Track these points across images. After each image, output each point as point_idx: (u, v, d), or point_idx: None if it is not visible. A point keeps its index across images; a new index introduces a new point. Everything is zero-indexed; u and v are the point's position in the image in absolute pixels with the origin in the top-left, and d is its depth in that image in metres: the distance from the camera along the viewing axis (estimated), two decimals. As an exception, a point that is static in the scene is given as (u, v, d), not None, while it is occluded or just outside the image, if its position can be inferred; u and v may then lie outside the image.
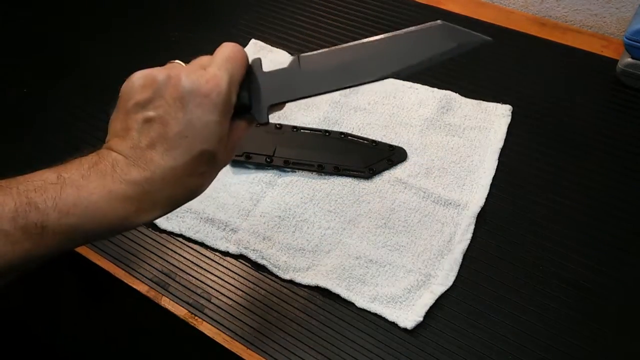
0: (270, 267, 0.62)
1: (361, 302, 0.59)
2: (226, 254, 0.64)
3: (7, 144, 0.76)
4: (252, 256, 0.63)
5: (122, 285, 0.63)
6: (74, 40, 0.92)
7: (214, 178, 0.45)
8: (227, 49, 0.48)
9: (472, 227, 0.64)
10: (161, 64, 0.90)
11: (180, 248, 0.65)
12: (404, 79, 0.80)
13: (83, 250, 0.65)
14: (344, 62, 0.48)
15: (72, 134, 0.76)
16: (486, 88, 0.80)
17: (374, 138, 0.73)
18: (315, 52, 0.48)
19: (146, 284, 0.62)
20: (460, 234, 0.64)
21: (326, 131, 0.73)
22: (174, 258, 0.64)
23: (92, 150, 0.42)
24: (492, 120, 0.75)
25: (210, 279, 0.62)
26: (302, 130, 0.73)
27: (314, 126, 0.74)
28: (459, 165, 0.70)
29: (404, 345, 0.56)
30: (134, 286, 0.62)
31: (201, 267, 0.63)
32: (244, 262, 0.63)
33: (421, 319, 0.57)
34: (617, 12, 0.90)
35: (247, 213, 0.66)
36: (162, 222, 0.66)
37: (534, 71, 0.83)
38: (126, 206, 0.40)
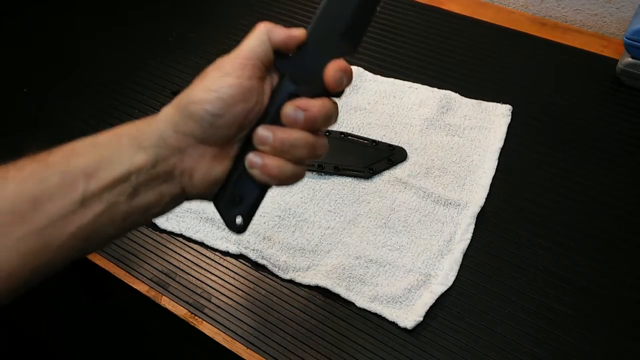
0: (270, 267, 0.62)
1: (361, 302, 0.59)
2: (226, 253, 0.64)
3: (6, 143, 0.76)
4: (252, 256, 0.63)
5: (122, 285, 0.63)
6: (74, 40, 0.92)
7: None
8: None
9: (472, 227, 0.64)
10: (161, 63, 0.91)
11: (180, 248, 0.65)
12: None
13: (83, 250, 0.65)
14: None
15: (72, 134, 0.76)
16: (486, 88, 0.80)
17: (374, 138, 0.73)
18: None
19: (146, 284, 0.62)
20: (460, 233, 0.64)
21: (326, 131, 0.73)
22: (174, 258, 0.64)
23: None
24: (492, 120, 0.75)
25: (210, 279, 0.62)
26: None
27: (314, 126, 0.74)
28: (459, 165, 0.70)
29: (404, 345, 0.56)
30: (134, 286, 0.62)
31: (201, 267, 0.63)
32: (244, 262, 0.63)
33: (421, 318, 0.57)
34: (617, 12, 0.90)
35: (247, 213, 0.66)
36: (162, 222, 0.66)
37: (534, 71, 0.83)
38: None
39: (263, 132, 0.39)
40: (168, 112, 0.39)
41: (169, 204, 0.40)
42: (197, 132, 0.38)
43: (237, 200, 0.41)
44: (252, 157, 0.39)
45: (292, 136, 0.39)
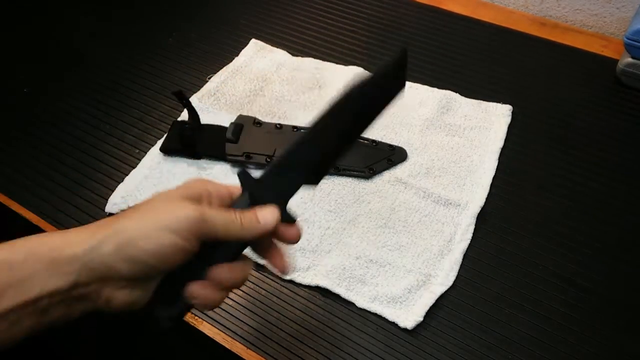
0: (270, 267, 0.62)
1: (361, 302, 0.59)
2: (226, 254, 0.64)
3: (7, 143, 0.76)
4: (252, 256, 0.63)
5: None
6: (74, 40, 0.92)
7: None
8: None
9: (472, 227, 0.64)
10: (161, 63, 0.90)
11: (180, 248, 0.65)
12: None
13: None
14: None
15: (72, 134, 0.76)
16: (486, 88, 0.80)
17: (374, 138, 0.73)
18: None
19: (146, 284, 0.62)
20: (460, 233, 0.64)
21: (326, 131, 0.73)
22: (174, 258, 0.64)
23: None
24: (492, 120, 0.75)
25: (210, 279, 0.62)
26: (302, 130, 0.73)
27: (314, 126, 0.74)
28: (459, 165, 0.70)
29: (404, 345, 0.56)
30: (134, 286, 0.62)
31: (201, 267, 0.63)
32: (244, 262, 0.63)
33: (421, 319, 0.57)
34: (617, 12, 0.90)
35: (247, 213, 0.66)
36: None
37: (534, 71, 0.83)
38: None
39: (196, 290, 0.40)
40: (101, 241, 0.38)
41: (76, 318, 0.39)
42: (125, 272, 0.38)
43: (169, 315, 0.42)
44: (193, 290, 0.41)
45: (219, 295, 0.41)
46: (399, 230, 0.64)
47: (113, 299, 0.39)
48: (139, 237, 0.38)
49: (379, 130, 0.74)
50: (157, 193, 0.41)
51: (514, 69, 0.83)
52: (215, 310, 0.59)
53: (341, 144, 0.46)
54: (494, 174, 0.69)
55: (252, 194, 0.42)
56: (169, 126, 0.75)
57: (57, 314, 0.38)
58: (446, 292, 0.59)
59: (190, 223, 0.38)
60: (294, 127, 0.73)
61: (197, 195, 0.42)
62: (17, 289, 0.36)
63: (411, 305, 0.58)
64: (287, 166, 0.43)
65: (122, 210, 0.40)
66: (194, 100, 0.78)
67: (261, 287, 0.61)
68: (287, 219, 0.43)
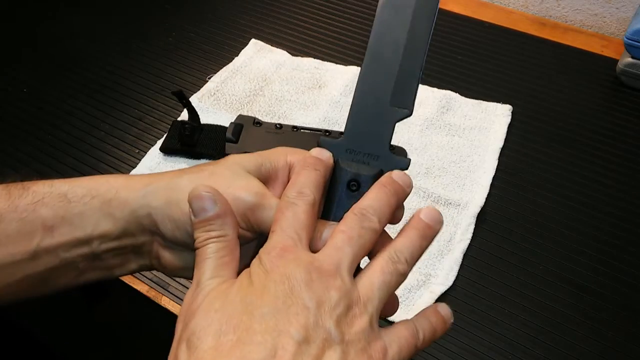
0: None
1: (361, 302, 0.59)
2: (226, 253, 0.64)
3: (7, 143, 0.76)
4: (252, 256, 0.63)
5: (122, 285, 0.63)
6: (74, 40, 0.92)
7: None
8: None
9: (472, 227, 0.64)
10: (161, 63, 0.90)
11: (180, 248, 0.65)
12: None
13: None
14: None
15: (71, 134, 0.76)
16: (486, 88, 0.80)
17: (374, 138, 0.73)
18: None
19: (146, 284, 0.62)
20: (460, 233, 0.63)
21: (326, 131, 0.73)
22: (174, 258, 0.64)
23: None
24: (492, 120, 0.75)
25: (210, 279, 0.62)
26: (302, 130, 0.73)
27: (314, 126, 0.74)
28: (458, 165, 0.70)
29: (404, 345, 0.56)
30: (134, 286, 0.62)
31: (201, 267, 0.63)
32: (244, 262, 0.63)
33: (421, 318, 0.57)
34: (617, 12, 0.90)
35: (247, 213, 0.66)
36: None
37: (534, 71, 0.83)
38: None
39: None
40: (153, 192, 0.35)
41: (136, 270, 0.38)
42: (169, 234, 0.35)
43: None
44: None
45: None
46: (399, 230, 0.64)
47: (161, 257, 0.37)
48: (186, 199, 0.34)
49: (379, 130, 0.74)
50: (231, 155, 0.38)
51: (514, 69, 0.83)
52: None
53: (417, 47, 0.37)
54: (494, 174, 0.69)
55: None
56: (169, 126, 0.75)
57: (113, 262, 0.37)
58: (446, 292, 0.59)
59: (245, 207, 0.34)
60: (294, 127, 0.73)
61: (273, 170, 0.38)
62: (71, 225, 0.35)
63: (411, 305, 0.58)
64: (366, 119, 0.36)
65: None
66: (194, 100, 0.78)
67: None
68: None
